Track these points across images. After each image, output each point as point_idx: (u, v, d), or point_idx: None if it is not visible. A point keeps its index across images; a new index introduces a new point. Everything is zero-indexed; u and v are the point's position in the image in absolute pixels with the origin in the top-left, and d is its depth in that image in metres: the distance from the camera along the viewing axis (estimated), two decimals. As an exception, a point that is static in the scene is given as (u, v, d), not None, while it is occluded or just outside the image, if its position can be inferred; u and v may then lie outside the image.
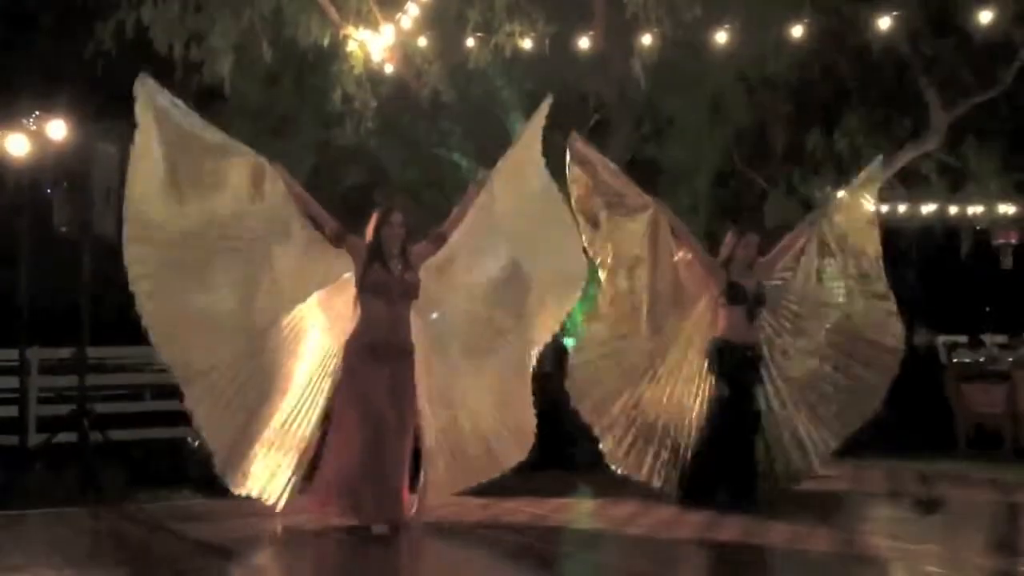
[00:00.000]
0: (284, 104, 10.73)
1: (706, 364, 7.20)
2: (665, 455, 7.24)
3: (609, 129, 11.15)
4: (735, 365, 7.05)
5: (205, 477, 7.41)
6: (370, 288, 6.07)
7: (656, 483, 7.20)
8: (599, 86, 10.77)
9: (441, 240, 6.44)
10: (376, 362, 6.01)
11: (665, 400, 7.29)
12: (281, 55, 9.56)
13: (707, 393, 7.19)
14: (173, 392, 10.87)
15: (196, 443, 7.82)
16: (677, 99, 11.14)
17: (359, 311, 6.15)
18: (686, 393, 7.31)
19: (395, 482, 6.02)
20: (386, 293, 6.06)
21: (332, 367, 6.38)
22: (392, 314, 6.10)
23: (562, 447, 8.59)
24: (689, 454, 7.18)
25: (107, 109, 8.92)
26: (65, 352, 9.21)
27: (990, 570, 5.54)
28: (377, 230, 6.15)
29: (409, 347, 6.20)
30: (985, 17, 9.22)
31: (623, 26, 9.32)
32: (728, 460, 6.98)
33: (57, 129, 7.58)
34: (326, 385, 6.39)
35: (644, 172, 12.37)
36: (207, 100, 10.12)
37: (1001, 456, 9.89)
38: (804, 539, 6.08)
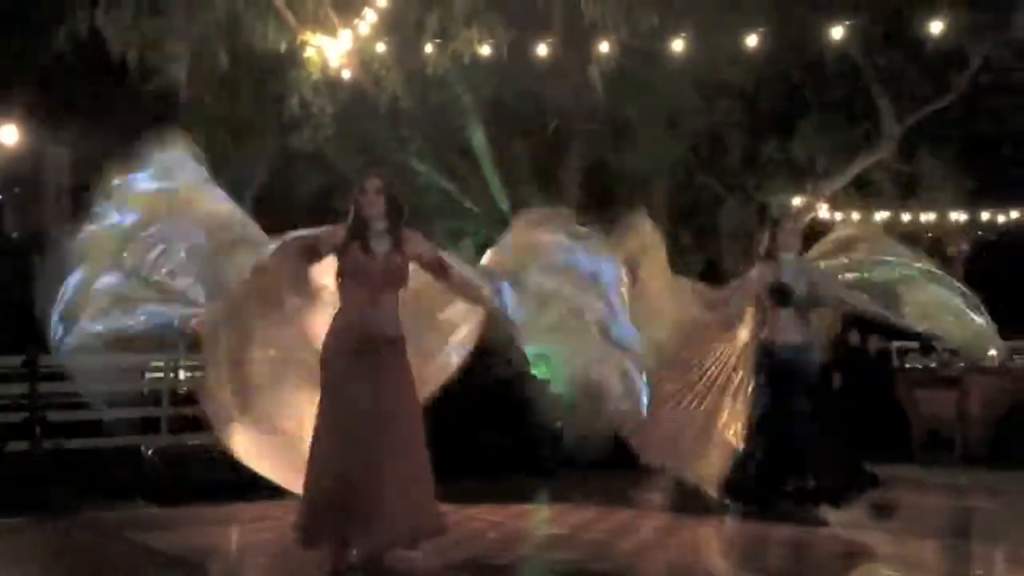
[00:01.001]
0: (241, 110, 10.68)
1: (754, 367, 6.90)
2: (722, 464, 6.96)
3: (567, 136, 11.20)
4: (783, 367, 6.75)
5: (159, 486, 7.37)
6: (348, 272, 5.18)
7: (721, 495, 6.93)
8: (557, 93, 10.81)
9: (440, 269, 5.46)
10: (354, 356, 5.13)
11: (721, 413, 6.99)
12: (238, 61, 9.50)
13: (755, 398, 6.87)
14: (127, 401, 10.77)
15: (150, 452, 7.76)
16: (634, 106, 11.21)
17: (340, 300, 5.29)
18: (736, 401, 7.02)
19: (378, 503, 5.05)
20: (366, 276, 5.16)
21: None
22: (374, 302, 5.16)
23: (523, 452, 8.61)
24: (747, 460, 6.83)
25: (59, 114, 8.84)
26: (17, 360, 9.07)
27: (944, 573, 5.61)
28: (355, 203, 5.27)
29: (396, 339, 5.24)
30: (936, 27, 9.35)
31: (581, 34, 9.37)
32: (789, 465, 6.70)
33: (9, 134, 7.47)
34: None
35: (602, 178, 12.48)
36: (162, 106, 10.06)
37: (953, 460, 10.02)
38: (760, 542, 6.13)
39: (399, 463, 5.15)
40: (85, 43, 9.40)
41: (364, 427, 5.08)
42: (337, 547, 5.15)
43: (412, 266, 5.36)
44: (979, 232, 14.41)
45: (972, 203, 13.66)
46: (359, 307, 5.17)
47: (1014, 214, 14.03)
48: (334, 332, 5.25)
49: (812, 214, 12.62)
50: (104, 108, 10.38)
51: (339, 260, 5.24)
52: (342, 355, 5.17)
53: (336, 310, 5.31)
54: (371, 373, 5.13)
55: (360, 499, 5.04)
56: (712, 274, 12.69)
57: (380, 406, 5.09)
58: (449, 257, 5.58)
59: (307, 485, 5.17)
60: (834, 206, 13.26)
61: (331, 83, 9.53)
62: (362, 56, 9.33)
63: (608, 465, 9.12)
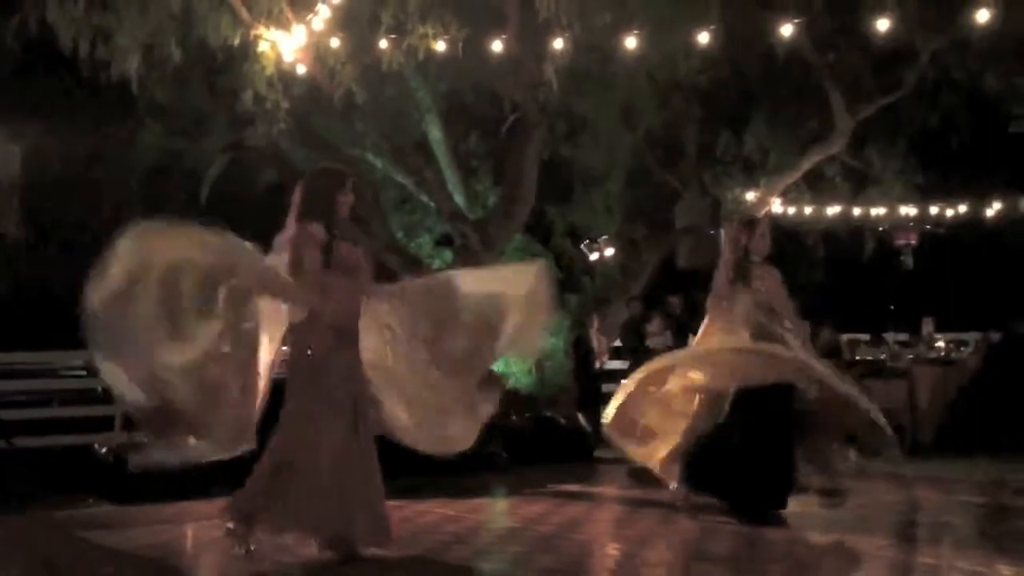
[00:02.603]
0: (194, 104, 10.60)
1: None
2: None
3: (523, 131, 11.24)
4: None
5: (112, 484, 7.34)
6: (339, 265, 5.36)
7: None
8: (513, 89, 10.84)
9: (385, 272, 5.84)
10: (339, 349, 5.34)
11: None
12: (190, 54, 9.43)
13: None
14: (81, 399, 10.68)
15: (104, 450, 7.72)
16: (590, 102, 11.28)
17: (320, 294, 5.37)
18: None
19: (346, 502, 5.30)
20: (353, 270, 5.42)
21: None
22: (351, 292, 5.42)
23: (473, 446, 8.65)
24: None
25: (9, 109, 8.74)
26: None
27: (892, 561, 5.73)
28: (334, 198, 5.44)
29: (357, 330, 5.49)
30: (883, 25, 9.48)
31: (535, 30, 9.40)
32: (750, 461, 6.58)
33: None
34: None
35: (559, 174, 12.54)
36: (115, 100, 9.98)
37: (902, 451, 10.18)
38: (711, 534, 6.22)
39: (367, 465, 5.35)
40: (35, 37, 9.30)
41: (342, 422, 5.26)
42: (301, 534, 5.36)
43: None
44: (927, 226, 14.64)
45: (921, 197, 13.87)
46: (343, 295, 5.34)
47: (962, 208, 14.27)
48: (318, 320, 5.31)
49: (767, 209, 12.78)
50: (56, 103, 10.27)
51: (325, 255, 5.33)
52: (329, 347, 5.29)
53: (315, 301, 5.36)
54: (350, 371, 5.35)
55: (327, 493, 5.21)
56: (666, 268, 12.84)
57: (357, 405, 5.33)
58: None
59: (270, 473, 5.27)
60: (786, 200, 13.44)
61: (285, 78, 9.48)
62: (316, 51, 9.29)
63: (561, 459, 9.25)
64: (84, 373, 11.47)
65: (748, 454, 6.54)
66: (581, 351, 11.36)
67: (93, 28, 9.10)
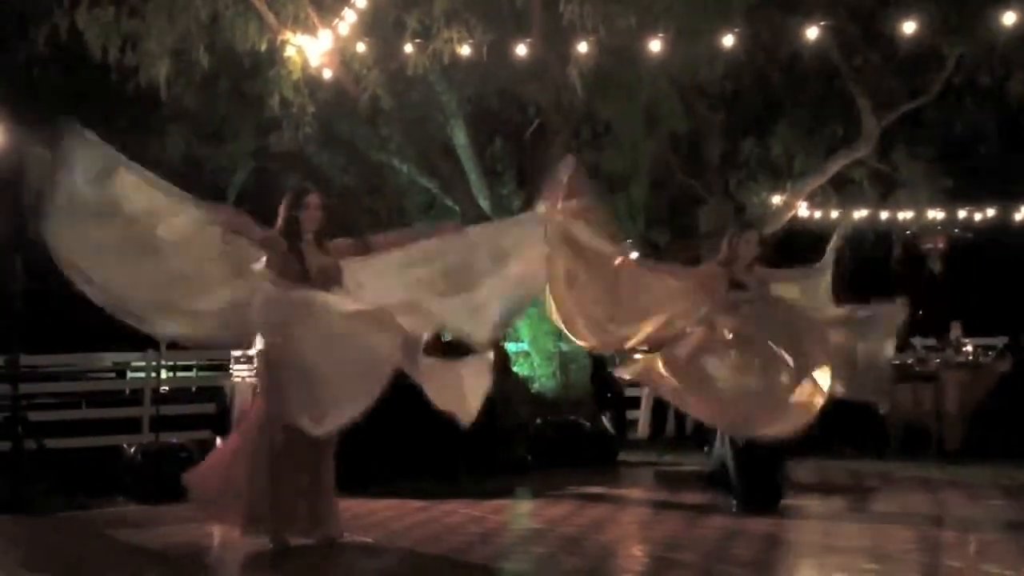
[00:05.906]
0: (221, 109, 10.70)
1: None
2: None
3: (548, 135, 11.26)
4: None
5: (140, 484, 7.41)
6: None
7: None
8: (537, 93, 10.87)
9: (364, 248, 5.94)
10: None
11: None
12: (218, 60, 9.53)
13: None
14: (108, 400, 10.77)
15: (132, 450, 7.80)
16: (613, 106, 11.28)
17: None
18: None
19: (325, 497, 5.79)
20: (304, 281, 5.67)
21: None
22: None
23: (498, 449, 8.68)
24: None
25: (41, 114, 8.84)
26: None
27: (918, 564, 5.70)
28: (292, 215, 5.79)
29: None
30: (910, 28, 9.44)
31: (560, 34, 9.42)
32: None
33: (-9, 134, 7.48)
34: None
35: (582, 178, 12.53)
36: (142, 105, 10.09)
37: (929, 455, 10.15)
38: (736, 536, 6.21)
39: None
40: (66, 42, 9.42)
41: None
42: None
43: None
44: (955, 230, 14.53)
45: (949, 201, 13.78)
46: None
47: (990, 212, 14.16)
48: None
49: (792, 212, 12.73)
50: (86, 108, 10.36)
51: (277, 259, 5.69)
52: None
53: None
54: None
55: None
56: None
57: None
58: None
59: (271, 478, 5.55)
60: (812, 204, 13.38)
61: (311, 82, 9.56)
62: (343, 55, 9.36)
63: (585, 462, 9.26)
64: (112, 375, 11.59)
65: None
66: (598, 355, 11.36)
67: (122, 34, 9.22)
